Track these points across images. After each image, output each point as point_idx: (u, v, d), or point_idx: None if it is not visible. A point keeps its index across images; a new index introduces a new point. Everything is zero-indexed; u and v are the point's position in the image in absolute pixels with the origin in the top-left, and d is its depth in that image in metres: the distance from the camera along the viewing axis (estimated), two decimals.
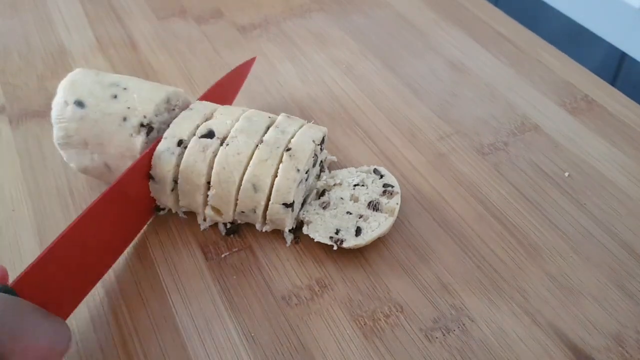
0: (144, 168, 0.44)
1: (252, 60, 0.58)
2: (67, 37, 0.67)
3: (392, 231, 0.46)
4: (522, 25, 0.70)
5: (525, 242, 0.46)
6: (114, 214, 0.42)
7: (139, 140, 0.44)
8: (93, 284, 0.41)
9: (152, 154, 0.44)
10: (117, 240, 0.43)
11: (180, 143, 0.43)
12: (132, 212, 0.44)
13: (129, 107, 0.45)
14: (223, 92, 0.54)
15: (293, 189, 0.42)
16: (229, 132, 0.44)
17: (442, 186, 0.50)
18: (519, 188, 0.50)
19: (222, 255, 0.45)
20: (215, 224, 0.46)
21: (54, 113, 0.46)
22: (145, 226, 0.46)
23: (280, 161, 0.43)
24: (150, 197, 0.46)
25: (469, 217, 0.47)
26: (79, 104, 0.45)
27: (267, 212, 0.43)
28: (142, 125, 0.44)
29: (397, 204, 0.45)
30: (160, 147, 0.43)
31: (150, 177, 0.44)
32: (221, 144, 0.44)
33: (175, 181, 0.44)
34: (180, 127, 0.44)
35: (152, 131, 0.45)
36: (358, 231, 0.43)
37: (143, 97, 0.45)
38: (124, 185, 0.42)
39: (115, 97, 0.45)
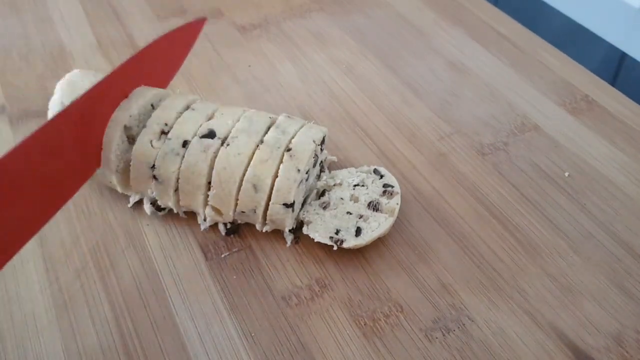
0: (73, 114, 0.39)
1: (200, 22, 0.50)
2: (67, 37, 0.67)
3: (392, 231, 0.46)
4: (522, 25, 0.70)
5: (525, 242, 0.46)
6: (44, 161, 0.37)
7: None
8: (24, 239, 0.37)
9: (87, 100, 0.39)
10: (49, 193, 0.39)
11: (185, 144, 0.43)
12: (64, 163, 0.40)
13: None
14: (153, 60, 0.46)
15: (293, 189, 0.42)
16: (230, 132, 0.44)
17: (442, 186, 0.50)
18: (519, 188, 0.50)
19: (222, 255, 0.45)
20: (215, 224, 0.46)
21: (51, 113, 0.46)
22: (146, 226, 0.46)
23: (281, 161, 0.43)
24: (87, 152, 0.42)
25: (469, 217, 0.47)
26: None
27: (268, 212, 0.43)
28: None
29: (397, 204, 0.45)
30: (165, 148, 0.43)
31: (154, 177, 0.44)
32: (222, 144, 0.44)
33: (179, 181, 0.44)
34: (184, 128, 0.44)
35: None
36: (358, 231, 0.43)
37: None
38: (53, 128, 0.37)
39: None
